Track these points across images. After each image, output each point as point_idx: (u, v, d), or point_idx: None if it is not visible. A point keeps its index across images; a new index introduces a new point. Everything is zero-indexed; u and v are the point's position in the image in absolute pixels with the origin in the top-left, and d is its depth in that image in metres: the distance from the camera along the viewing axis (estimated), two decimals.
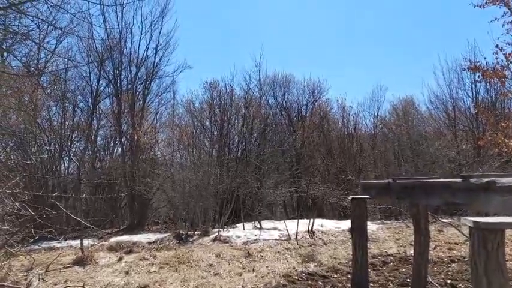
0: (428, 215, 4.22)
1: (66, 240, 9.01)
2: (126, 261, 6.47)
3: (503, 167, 10.78)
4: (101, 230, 10.22)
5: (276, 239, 8.20)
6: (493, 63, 7.63)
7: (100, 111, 14.34)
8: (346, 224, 9.14)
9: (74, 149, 13.34)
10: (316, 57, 30.71)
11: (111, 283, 5.24)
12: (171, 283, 5.19)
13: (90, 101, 13.78)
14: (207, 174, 10.33)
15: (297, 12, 31.77)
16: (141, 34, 13.78)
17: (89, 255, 6.63)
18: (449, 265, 5.70)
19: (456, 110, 15.21)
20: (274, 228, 9.46)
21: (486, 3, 7.73)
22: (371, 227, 9.30)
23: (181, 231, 8.98)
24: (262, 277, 5.35)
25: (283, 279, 5.19)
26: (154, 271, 5.83)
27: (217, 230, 9.09)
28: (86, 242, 7.65)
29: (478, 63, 8.14)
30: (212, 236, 8.56)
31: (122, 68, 13.57)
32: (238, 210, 11.39)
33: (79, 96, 13.79)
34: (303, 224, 8.83)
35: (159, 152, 14.64)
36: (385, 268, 5.75)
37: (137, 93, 13.87)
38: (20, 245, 6.08)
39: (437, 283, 4.62)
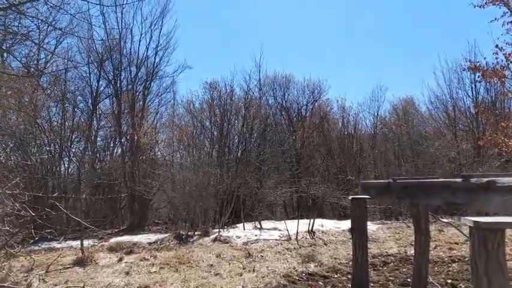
0: (428, 215, 4.22)
1: (66, 240, 9.01)
2: (126, 262, 6.47)
3: (503, 167, 10.78)
4: (101, 230, 10.21)
5: (276, 239, 8.20)
6: (493, 63, 7.63)
7: (100, 112, 14.36)
8: (347, 224, 9.14)
9: (74, 150, 13.36)
10: (316, 57, 30.77)
11: (112, 284, 5.23)
12: (172, 283, 5.19)
13: (90, 101, 13.80)
14: (207, 174, 10.33)
15: (297, 12, 31.83)
16: (141, 34, 13.81)
17: (89, 255, 6.63)
18: (449, 265, 5.70)
19: (456, 110, 15.22)
20: (275, 229, 9.46)
21: (486, 3, 7.72)
22: (371, 227, 9.30)
23: (181, 232, 8.98)
24: (263, 277, 5.35)
25: (284, 279, 5.19)
26: (155, 271, 5.83)
27: (218, 230, 9.09)
28: (86, 242, 7.65)
29: (478, 63, 8.14)
30: (212, 236, 8.56)
31: (122, 69, 13.58)
32: (238, 211, 11.39)
33: (79, 97, 13.82)
34: (303, 224, 8.83)
35: (159, 153, 14.67)
36: (385, 268, 5.75)
37: (137, 93, 13.88)
38: (20, 246, 6.08)
39: (437, 283, 4.62)
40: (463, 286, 4.56)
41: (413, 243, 4.29)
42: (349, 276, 4.98)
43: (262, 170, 14.07)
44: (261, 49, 25.93)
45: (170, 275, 5.58)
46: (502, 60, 7.45)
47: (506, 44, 7.64)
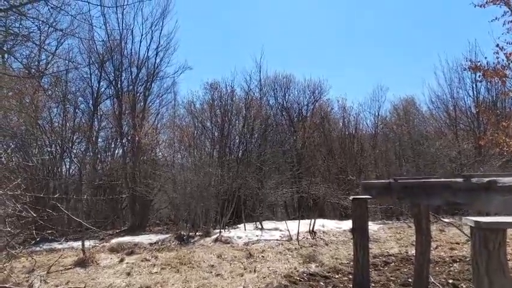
0: (429, 215, 4.21)
1: (67, 241, 9.03)
2: (127, 263, 6.48)
3: (504, 167, 10.75)
4: (102, 231, 10.23)
5: (277, 240, 8.19)
6: (493, 63, 7.60)
7: (101, 113, 14.40)
8: (348, 224, 9.13)
9: (75, 151, 13.39)
10: (316, 57, 30.77)
11: (113, 284, 5.24)
12: (173, 284, 5.19)
13: (91, 102, 13.84)
14: (208, 175, 10.34)
15: (297, 12, 31.86)
16: (142, 35, 13.86)
17: (90, 256, 6.64)
18: (450, 265, 5.69)
19: (457, 110, 15.22)
20: (276, 229, 9.46)
21: (486, 2, 7.69)
22: (372, 227, 9.29)
23: (182, 232, 8.98)
24: (264, 278, 5.35)
25: (285, 279, 5.19)
26: (156, 272, 5.83)
27: (219, 230, 9.09)
28: (87, 243, 7.65)
29: (479, 63, 8.10)
30: (213, 237, 8.56)
31: (123, 69, 13.62)
32: (239, 211, 11.39)
33: (80, 98, 13.88)
34: (304, 225, 8.82)
35: (160, 153, 14.69)
36: (386, 268, 5.74)
37: (138, 94, 13.91)
38: (21, 247, 6.10)
39: (439, 283, 4.62)
40: (464, 286, 4.55)
41: (414, 243, 4.28)
42: (350, 277, 4.97)
43: (263, 170, 14.07)
44: (261, 49, 26.03)
45: (171, 276, 5.58)
46: (503, 60, 7.43)
47: (507, 43, 7.61)
